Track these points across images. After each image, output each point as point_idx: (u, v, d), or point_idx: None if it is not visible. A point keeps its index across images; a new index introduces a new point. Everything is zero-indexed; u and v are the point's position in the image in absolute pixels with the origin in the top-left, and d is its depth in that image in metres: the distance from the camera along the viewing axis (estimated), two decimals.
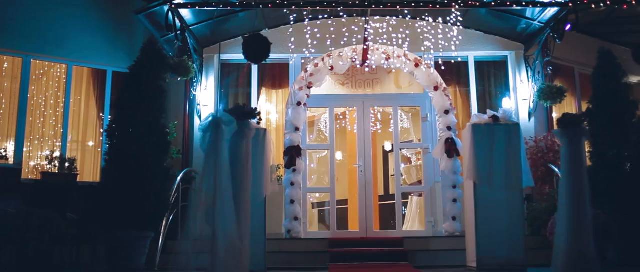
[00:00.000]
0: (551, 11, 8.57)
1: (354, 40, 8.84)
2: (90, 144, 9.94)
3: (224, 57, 9.94)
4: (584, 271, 5.63)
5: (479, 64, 9.95)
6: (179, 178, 8.16)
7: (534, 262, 7.00)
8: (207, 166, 4.54)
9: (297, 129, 8.67)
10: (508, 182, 6.73)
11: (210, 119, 4.64)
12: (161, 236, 7.52)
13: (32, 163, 9.43)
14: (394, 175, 12.29)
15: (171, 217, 7.88)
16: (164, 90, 7.69)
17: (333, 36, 8.86)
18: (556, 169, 8.20)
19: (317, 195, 11.64)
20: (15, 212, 6.35)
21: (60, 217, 6.53)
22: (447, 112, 8.79)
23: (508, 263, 6.63)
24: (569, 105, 10.20)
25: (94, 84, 10.10)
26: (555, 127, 9.37)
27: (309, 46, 8.70)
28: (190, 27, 9.06)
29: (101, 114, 9.98)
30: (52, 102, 9.69)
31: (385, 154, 12.82)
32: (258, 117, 5.47)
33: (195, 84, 9.40)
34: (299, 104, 8.77)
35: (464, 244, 7.50)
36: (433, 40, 9.01)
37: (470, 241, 7.00)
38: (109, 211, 7.14)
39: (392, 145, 12.21)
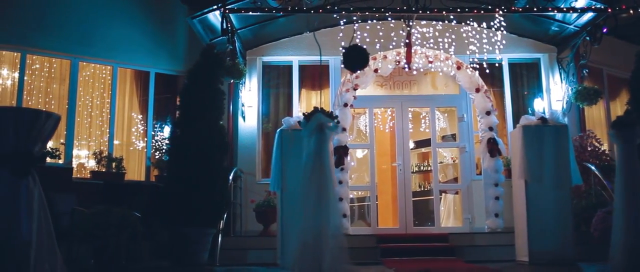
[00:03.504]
0: (587, 16, 8.89)
1: (402, 43, 9.10)
2: (133, 143, 10.21)
3: (266, 59, 10.24)
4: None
5: (512, 65, 10.23)
6: (230, 177, 8.47)
7: (577, 257, 7.33)
8: (314, 168, 4.80)
9: (344, 129, 8.95)
10: (558, 180, 7.09)
11: (314, 123, 4.89)
12: (220, 233, 7.82)
13: (79, 162, 9.69)
14: (413, 172, 12.66)
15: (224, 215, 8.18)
16: (223, 93, 7.97)
17: (382, 40, 9.13)
18: (593, 167, 8.56)
19: (355, 192, 11.93)
20: (92, 211, 6.61)
21: (135, 215, 6.80)
22: (488, 113, 9.09)
23: (558, 258, 6.98)
24: (597, 106, 10.51)
25: (136, 85, 10.36)
26: (588, 127, 9.82)
27: None
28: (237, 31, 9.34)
29: (143, 115, 10.25)
30: (98, 102, 9.95)
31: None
32: (336, 121, 5.74)
33: (240, 86, 9.66)
34: (345, 105, 9.07)
35: (507, 240, 7.85)
36: (477, 44, 9.29)
37: (520, 237, 7.33)
38: (172, 209, 7.40)
39: (415, 143, 12.63)
